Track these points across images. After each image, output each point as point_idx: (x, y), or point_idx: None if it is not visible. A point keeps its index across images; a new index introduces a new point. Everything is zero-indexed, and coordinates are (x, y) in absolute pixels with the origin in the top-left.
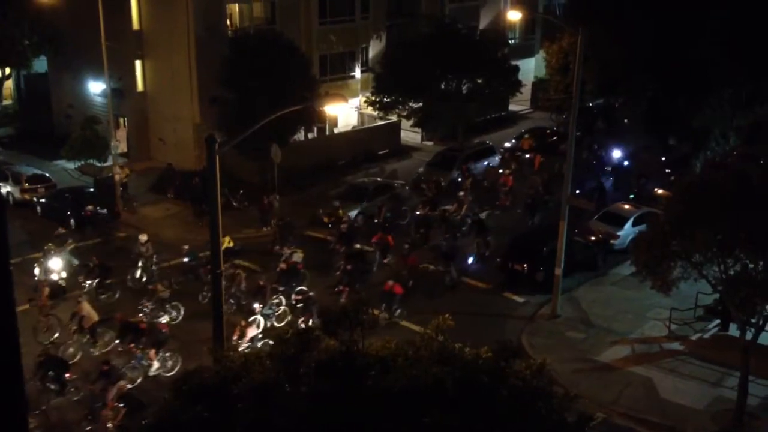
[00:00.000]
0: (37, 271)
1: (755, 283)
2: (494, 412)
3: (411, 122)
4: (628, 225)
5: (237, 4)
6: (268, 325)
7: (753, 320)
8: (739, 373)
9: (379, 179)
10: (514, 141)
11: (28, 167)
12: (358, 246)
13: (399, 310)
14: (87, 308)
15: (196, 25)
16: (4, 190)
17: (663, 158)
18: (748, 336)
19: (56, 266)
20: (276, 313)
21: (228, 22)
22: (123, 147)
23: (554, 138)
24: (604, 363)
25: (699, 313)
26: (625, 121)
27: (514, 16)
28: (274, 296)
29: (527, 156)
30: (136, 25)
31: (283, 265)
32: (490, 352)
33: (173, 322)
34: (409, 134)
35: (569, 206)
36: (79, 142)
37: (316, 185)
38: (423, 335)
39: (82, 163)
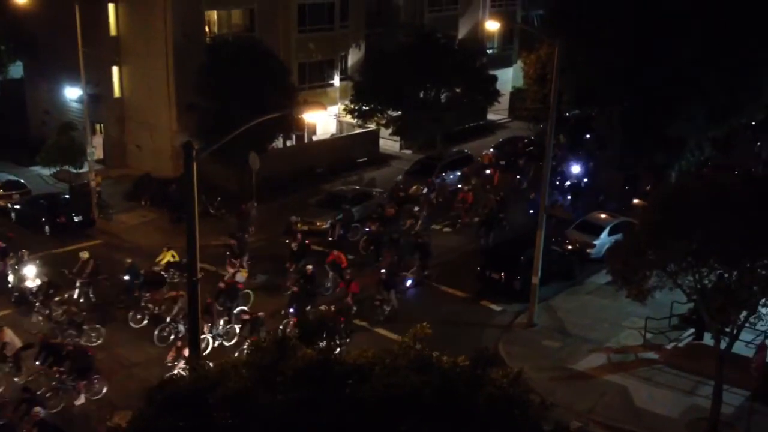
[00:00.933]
0: (11, 278)
1: (729, 292)
2: (471, 420)
3: (390, 131)
4: (605, 234)
5: (215, 11)
6: (216, 344)
7: (727, 329)
8: (714, 382)
9: (357, 187)
10: (492, 149)
11: (3, 173)
12: (309, 267)
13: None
14: (9, 335)
15: (173, 32)
16: None
17: (626, 174)
18: (723, 345)
19: (30, 273)
20: (226, 333)
21: (206, 29)
22: (99, 153)
23: (524, 150)
24: (580, 372)
25: (674, 322)
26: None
27: (492, 26)
28: (225, 315)
29: (487, 172)
30: (113, 31)
31: (221, 284)
32: (467, 360)
33: (93, 345)
34: (388, 143)
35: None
36: (55, 148)
37: (294, 193)
38: (400, 343)
39: (58, 169)
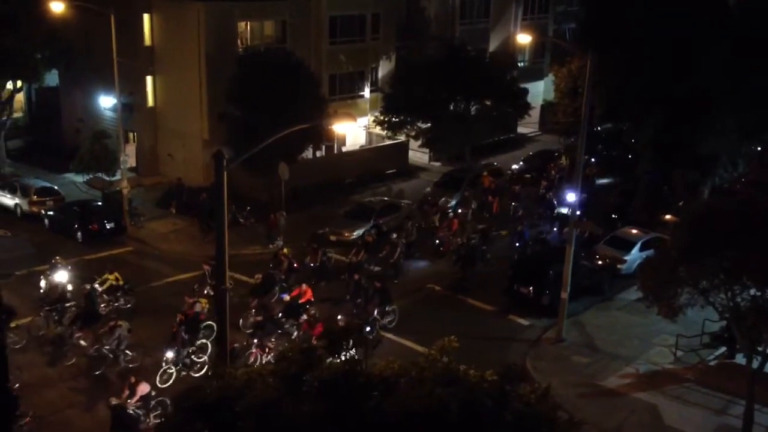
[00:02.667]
0: (43, 284)
1: (762, 311)
2: None
3: (419, 142)
4: (635, 250)
5: (248, 23)
6: (182, 375)
7: (759, 348)
8: (745, 402)
9: (386, 198)
10: (522, 163)
11: (37, 180)
12: (287, 297)
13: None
14: None
15: (207, 43)
16: (12, 202)
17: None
18: (755, 364)
19: (62, 280)
20: (192, 364)
21: (239, 40)
22: (132, 162)
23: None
24: (609, 388)
25: (705, 340)
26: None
27: (523, 39)
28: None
29: (490, 198)
30: (148, 41)
31: (181, 316)
32: (494, 375)
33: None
34: (417, 154)
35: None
36: (88, 155)
37: (323, 204)
38: (427, 356)
39: (91, 176)
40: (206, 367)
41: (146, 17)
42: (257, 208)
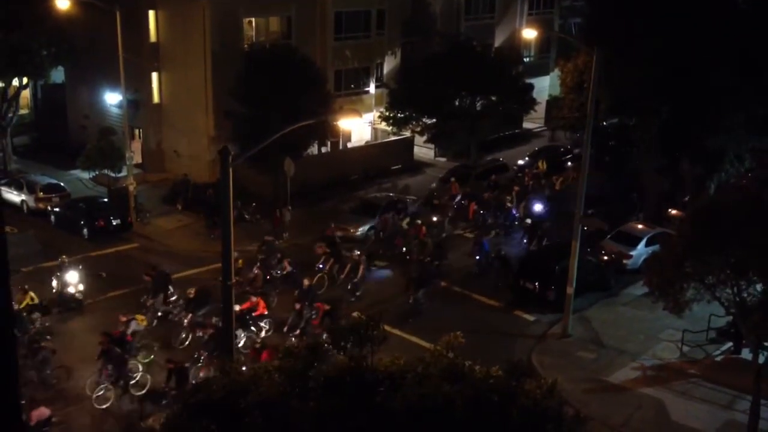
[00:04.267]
0: (54, 283)
1: None
2: None
3: (424, 138)
4: (641, 245)
5: (253, 19)
6: (121, 395)
7: (766, 344)
8: (751, 397)
9: (391, 194)
10: (527, 159)
11: (43, 176)
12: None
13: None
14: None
15: (212, 39)
16: (19, 199)
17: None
18: (761, 359)
19: (73, 279)
20: (134, 381)
21: (244, 37)
22: (138, 158)
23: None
24: (615, 384)
25: (711, 335)
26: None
27: (529, 34)
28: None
29: (462, 202)
30: (153, 38)
31: (103, 340)
32: (500, 370)
33: None
34: (422, 150)
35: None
36: (94, 152)
37: (328, 199)
38: (433, 352)
39: (97, 173)
40: (147, 386)
41: (151, 14)
42: (263, 204)
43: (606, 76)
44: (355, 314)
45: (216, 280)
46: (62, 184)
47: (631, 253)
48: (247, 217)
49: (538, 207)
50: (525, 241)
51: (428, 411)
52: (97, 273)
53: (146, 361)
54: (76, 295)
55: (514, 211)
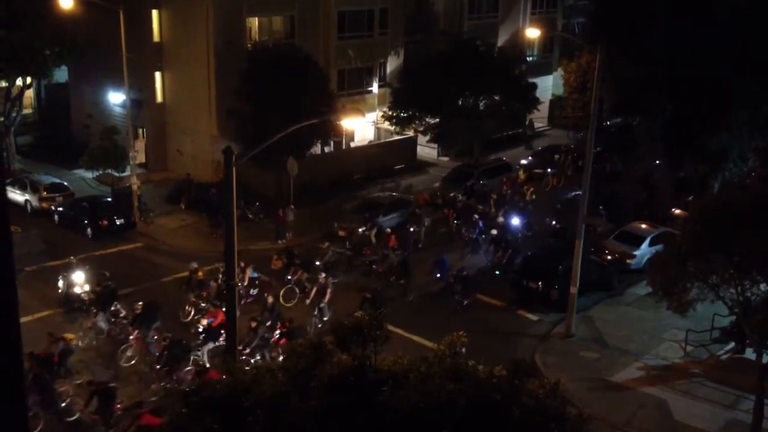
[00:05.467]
0: (61, 284)
1: None
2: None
3: (427, 138)
4: (645, 245)
5: (257, 18)
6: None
7: None
8: (755, 397)
9: (394, 194)
10: (530, 158)
11: (47, 176)
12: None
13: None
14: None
15: (215, 38)
16: (22, 198)
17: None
18: (765, 359)
19: (79, 279)
20: (62, 406)
21: (247, 36)
22: (141, 157)
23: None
24: (618, 383)
25: (715, 335)
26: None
27: (532, 33)
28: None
29: (445, 211)
30: (156, 37)
31: (31, 366)
32: (503, 370)
33: None
34: (426, 149)
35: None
36: (98, 151)
37: (331, 199)
38: (436, 351)
39: (101, 172)
40: (79, 413)
41: (155, 13)
42: (266, 203)
43: (609, 76)
44: (357, 314)
45: (183, 288)
46: (66, 183)
47: (635, 252)
48: (250, 216)
49: (515, 221)
50: (490, 254)
51: (431, 410)
52: (101, 272)
53: (79, 382)
54: (82, 295)
55: (480, 223)
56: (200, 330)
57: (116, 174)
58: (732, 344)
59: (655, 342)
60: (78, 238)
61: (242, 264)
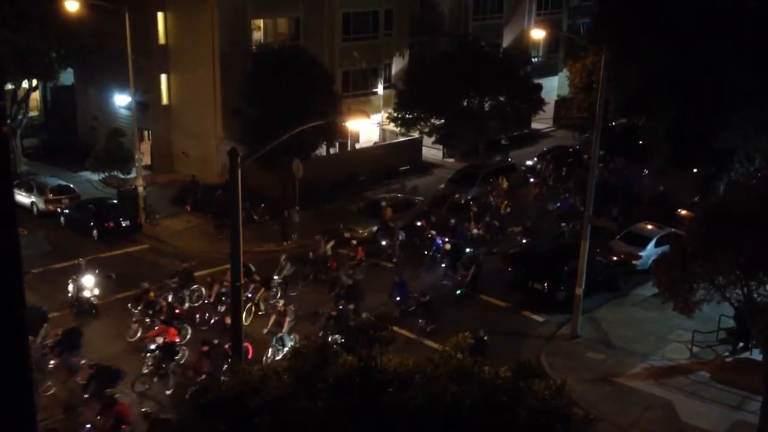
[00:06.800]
0: (71, 287)
1: None
2: None
3: (433, 139)
4: (651, 245)
5: (261, 20)
6: None
7: None
8: (762, 397)
9: (399, 195)
10: (535, 159)
11: (53, 178)
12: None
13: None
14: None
15: (220, 41)
16: (28, 201)
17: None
18: None
19: (89, 283)
20: None
21: (252, 38)
22: (147, 159)
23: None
24: (624, 385)
25: (721, 336)
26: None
27: (537, 34)
28: None
29: (418, 224)
30: (162, 39)
31: None
32: (508, 371)
33: None
34: (431, 151)
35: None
36: (104, 154)
37: (336, 200)
38: (441, 353)
39: (106, 174)
40: None
41: (160, 15)
42: (272, 205)
43: (615, 76)
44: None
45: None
46: (72, 185)
47: (641, 253)
48: (255, 218)
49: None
50: (449, 274)
51: (437, 411)
52: (107, 274)
53: None
54: (91, 299)
55: (438, 240)
56: (153, 348)
57: (122, 176)
58: (739, 345)
59: (662, 343)
60: (84, 240)
61: (209, 279)
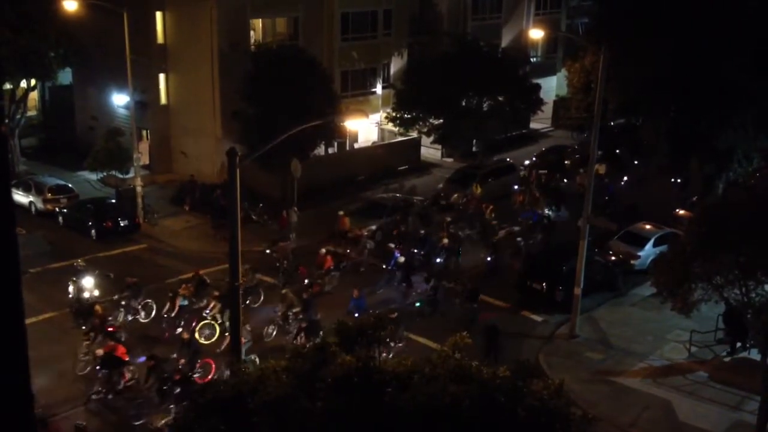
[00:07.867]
0: (71, 288)
1: None
2: None
3: (431, 139)
4: (649, 245)
5: (260, 20)
6: None
7: None
8: (760, 397)
9: (398, 195)
10: (534, 158)
11: (51, 178)
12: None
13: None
14: None
15: (219, 40)
16: (27, 200)
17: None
18: None
19: (89, 285)
20: None
21: (251, 37)
22: (145, 159)
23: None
24: (622, 384)
25: (720, 335)
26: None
27: (536, 34)
28: None
29: (395, 232)
30: (160, 39)
31: None
32: (507, 371)
33: None
34: (429, 150)
35: None
36: (102, 153)
37: (335, 200)
38: (440, 353)
39: (105, 174)
40: None
41: (159, 15)
42: (270, 204)
43: (613, 76)
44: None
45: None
46: (70, 185)
47: (639, 253)
48: (254, 217)
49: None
50: (401, 285)
51: (436, 411)
52: (105, 274)
53: None
54: (91, 301)
55: (396, 254)
56: (98, 361)
57: (120, 176)
58: (737, 345)
59: (660, 343)
60: (82, 240)
61: (170, 293)
